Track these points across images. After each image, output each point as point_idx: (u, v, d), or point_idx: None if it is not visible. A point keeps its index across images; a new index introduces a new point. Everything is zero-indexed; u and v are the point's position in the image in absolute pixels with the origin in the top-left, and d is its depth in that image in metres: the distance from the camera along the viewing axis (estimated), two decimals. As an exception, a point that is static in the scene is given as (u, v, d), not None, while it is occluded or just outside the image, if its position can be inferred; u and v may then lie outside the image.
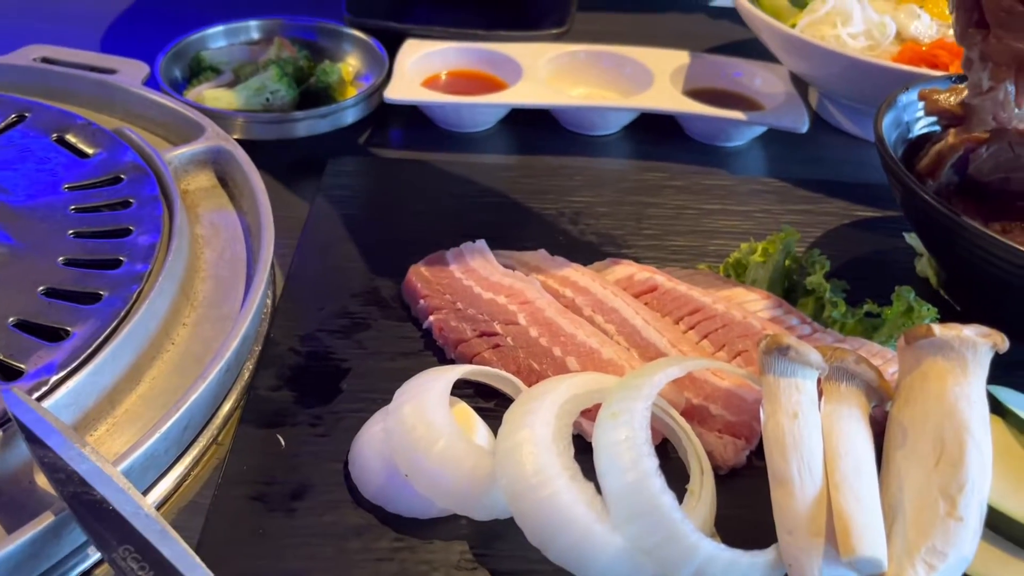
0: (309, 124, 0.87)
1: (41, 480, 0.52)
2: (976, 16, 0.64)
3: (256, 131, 0.86)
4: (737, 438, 0.57)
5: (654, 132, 0.95)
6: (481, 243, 0.71)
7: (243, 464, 0.57)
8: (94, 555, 0.50)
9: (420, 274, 0.69)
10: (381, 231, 0.78)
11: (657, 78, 0.95)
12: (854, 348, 0.62)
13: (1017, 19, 0.61)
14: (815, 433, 0.53)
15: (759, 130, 0.94)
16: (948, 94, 0.72)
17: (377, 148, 0.92)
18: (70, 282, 0.61)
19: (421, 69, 0.95)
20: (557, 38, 1.01)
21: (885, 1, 0.98)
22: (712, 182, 0.87)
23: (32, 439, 0.48)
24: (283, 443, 0.58)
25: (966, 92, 0.69)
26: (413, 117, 0.94)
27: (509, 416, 0.53)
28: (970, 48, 0.65)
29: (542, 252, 0.72)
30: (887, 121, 0.73)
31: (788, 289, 0.71)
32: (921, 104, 0.74)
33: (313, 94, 0.91)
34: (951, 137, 0.72)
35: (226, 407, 0.60)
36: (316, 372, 0.63)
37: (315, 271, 0.73)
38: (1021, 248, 0.61)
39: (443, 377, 0.56)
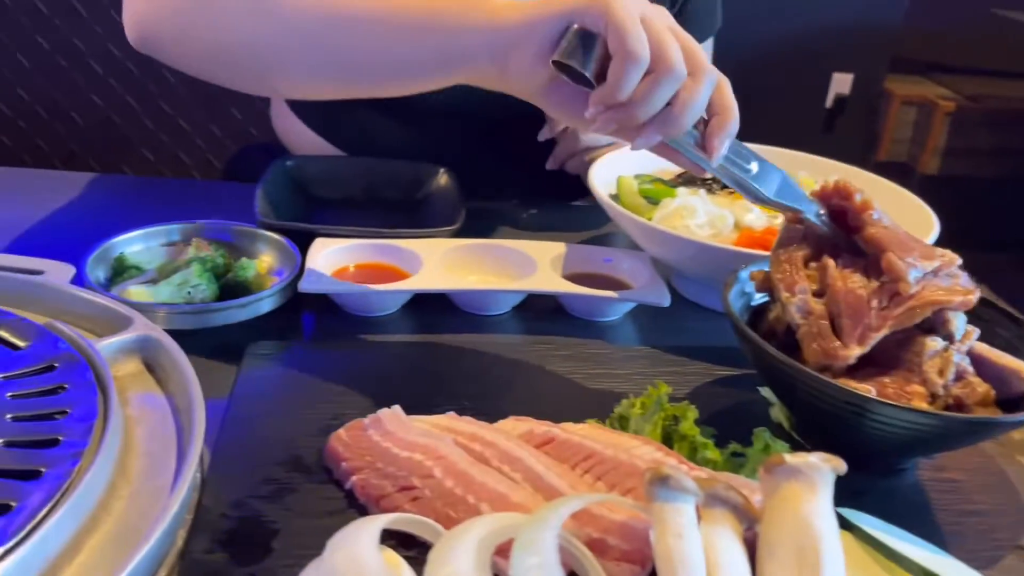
0: (228, 314, 0.95)
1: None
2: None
3: (178, 322, 0.93)
4: (633, 564, 0.65)
5: (539, 311, 1.08)
6: (396, 408, 0.79)
7: (181, 624, 0.60)
8: None
9: (341, 440, 0.76)
10: (299, 406, 0.85)
11: (540, 265, 1.09)
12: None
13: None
14: (698, 550, 0.62)
15: (629, 306, 1.08)
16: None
17: (292, 333, 1.00)
18: (12, 462, 0.65)
19: (330, 263, 1.06)
20: (450, 235, 1.15)
21: (723, 197, 1.17)
22: (593, 351, 1.00)
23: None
24: (220, 601, 0.62)
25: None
26: (325, 305, 1.04)
27: (433, 555, 0.60)
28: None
29: (451, 414, 0.81)
30: (733, 293, 0.88)
31: (665, 437, 0.81)
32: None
33: (232, 288, 1.00)
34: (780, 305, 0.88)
35: (162, 574, 0.64)
36: (247, 534, 0.68)
37: (240, 444, 0.79)
38: (844, 387, 0.75)
39: (372, 525, 0.62)
